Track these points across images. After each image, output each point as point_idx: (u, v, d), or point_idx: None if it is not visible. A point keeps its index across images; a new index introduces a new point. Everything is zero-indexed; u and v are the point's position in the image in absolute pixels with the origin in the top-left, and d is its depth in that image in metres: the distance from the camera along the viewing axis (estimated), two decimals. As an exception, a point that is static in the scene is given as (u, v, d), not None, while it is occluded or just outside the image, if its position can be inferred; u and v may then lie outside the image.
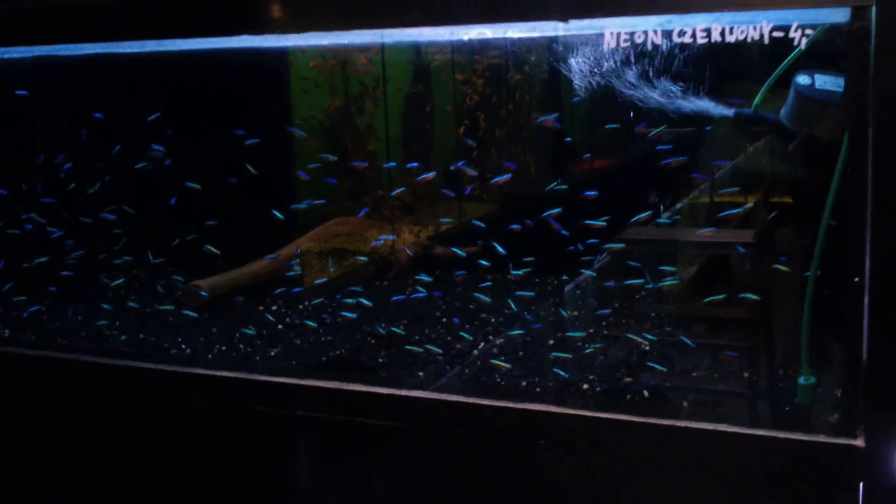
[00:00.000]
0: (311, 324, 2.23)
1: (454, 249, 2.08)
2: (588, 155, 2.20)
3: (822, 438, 1.39)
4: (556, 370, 1.80)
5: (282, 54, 2.52)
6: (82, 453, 2.07)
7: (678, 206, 1.98)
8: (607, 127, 1.76)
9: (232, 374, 1.87)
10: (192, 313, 2.33)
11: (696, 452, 1.49)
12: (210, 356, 2.13)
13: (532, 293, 2.22)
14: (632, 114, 1.62)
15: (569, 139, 2.21)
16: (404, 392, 1.72)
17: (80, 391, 2.05)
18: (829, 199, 1.42)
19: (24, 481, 2.13)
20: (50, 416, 2.08)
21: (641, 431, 1.52)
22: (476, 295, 2.16)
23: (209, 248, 2.21)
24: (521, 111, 2.53)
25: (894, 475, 1.35)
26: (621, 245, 1.82)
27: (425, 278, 2.20)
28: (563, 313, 2.11)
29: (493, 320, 2.17)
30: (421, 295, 2.26)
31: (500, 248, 1.90)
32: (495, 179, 1.89)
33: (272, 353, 2.12)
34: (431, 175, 1.95)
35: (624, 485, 1.58)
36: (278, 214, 2.10)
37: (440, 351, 1.99)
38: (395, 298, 2.30)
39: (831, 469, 1.40)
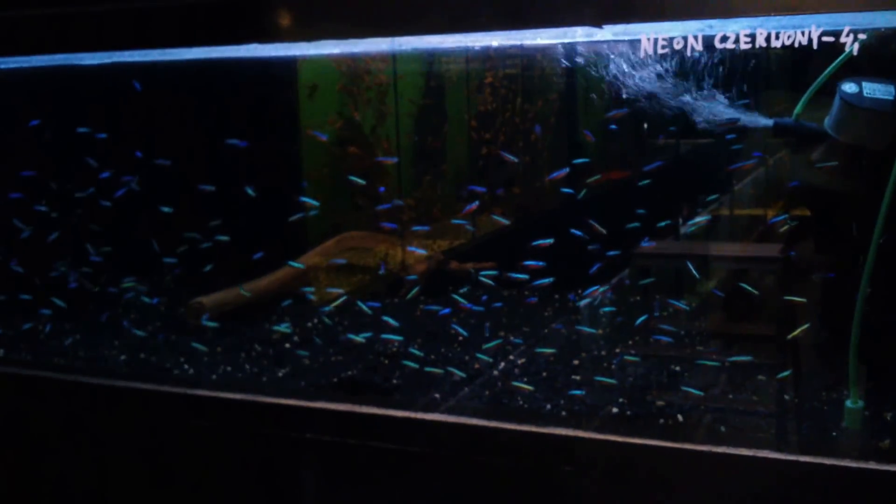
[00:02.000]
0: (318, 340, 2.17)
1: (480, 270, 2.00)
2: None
3: (872, 465, 1.33)
4: (577, 392, 1.73)
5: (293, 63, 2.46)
6: (84, 478, 2.00)
7: (707, 218, 1.91)
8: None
9: (238, 396, 1.82)
10: (211, 323, 2.25)
11: (733, 480, 1.42)
12: (215, 377, 2.06)
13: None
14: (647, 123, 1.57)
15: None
16: (420, 415, 1.67)
17: (80, 413, 1.98)
18: (881, 212, 1.35)
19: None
20: (52, 438, 2.02)
21: (676, 457, 1.45)
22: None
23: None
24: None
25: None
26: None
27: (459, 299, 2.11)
28: (593, 330, 2.03)
29: (511, 338, 2.10)
30: (446, 312, 2.17)
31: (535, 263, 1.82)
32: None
33: (280, 374, 2.05)
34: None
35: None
36: (312, 201, 2.02)
37: (459, 372, 1.92)
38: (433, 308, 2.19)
39: (881, 497, 1.33)
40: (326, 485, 1.80)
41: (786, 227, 1.62)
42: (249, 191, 2.07)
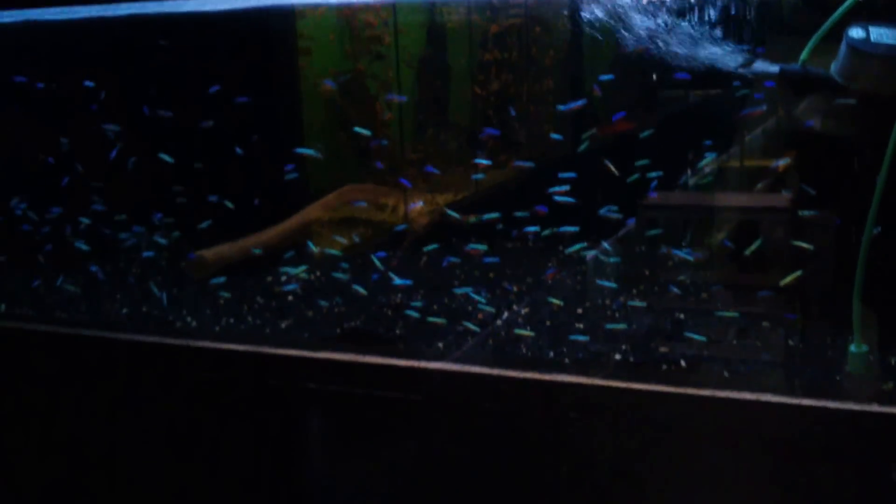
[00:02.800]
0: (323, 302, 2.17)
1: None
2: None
3: (875, 408, 1.34)
4: (579, 338, 1.74)
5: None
6: (91, 431, 2.01)
7: (711, 168, 1.91)
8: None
9: (241, 348, 1.82)
10: (216, 279, 2.25)
11: (738, 425, 1.44)
12: (218, 329, 2.07)
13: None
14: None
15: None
16: (423, 364, 1.67)
17: (84, 367, 1.99)
18: (886, 159, 1.35)
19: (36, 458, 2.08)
20: (54, 392, 2.03)
21: (681, 403, 1.46)
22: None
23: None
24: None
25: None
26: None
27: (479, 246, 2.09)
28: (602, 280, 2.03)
29: (517, 289, 2.11)
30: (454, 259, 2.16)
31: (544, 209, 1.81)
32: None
33: (283, 326, 2.06)
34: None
35: (660, 459, 1.53)
36: (312, 152, 2.01)
37: (464, 321, 1.93)
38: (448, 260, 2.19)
39: (885, 439, 1.35)
40: (331, 435, 1.81)
41: (792, 175, 1.62)
42: (248, 145, 2.07)
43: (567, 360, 1.71)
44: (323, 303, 2.14)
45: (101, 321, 2.16)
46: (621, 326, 1.74)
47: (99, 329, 1.98)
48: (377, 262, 2.10)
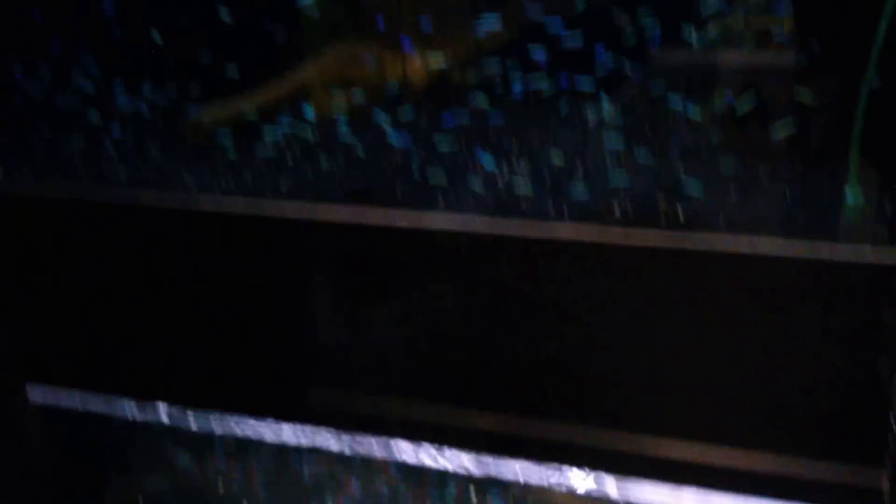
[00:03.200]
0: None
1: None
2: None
3: (868, 255, 1.38)
4: (579, 187, 1.76)
5: None
6: (86, 292, 2.05)
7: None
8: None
9: (241, 209, 1.84)
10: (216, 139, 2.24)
11: (736, 274, 1.49)
12: (218, 190, 2.08)
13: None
14: None
15: None
16: (426, 222, 1.70)
17: (79, 228, 2.02)
18: (886, 10, 1.34)
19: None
20: (54, 255, 2.05)
21: (678, 256, 1.51)
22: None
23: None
24: None
25: (941, 290, 1.35)
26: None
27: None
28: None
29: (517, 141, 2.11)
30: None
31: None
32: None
33: (284, 187, 2.07)
34: None
35: (660, 305, 1.58)
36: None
37: (460, 178, 1.95)
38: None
39: (877, 285, 1.39)
40: (333, 297, 1.85)
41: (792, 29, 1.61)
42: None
43: (567, 214, 1.74)
44: (323, 164, 2.15)
45: (98, 182, 2.18)
46: (622, 182, 1.76)
47: (96, 190, 1.99)
48: (377, 122, 2.11)
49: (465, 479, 2.82)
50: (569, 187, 1.87)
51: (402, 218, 1.74)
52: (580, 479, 1.93)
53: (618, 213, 1.68)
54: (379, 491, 3.02)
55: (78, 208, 1.99)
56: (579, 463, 1.77)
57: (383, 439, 2.01)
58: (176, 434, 2.88)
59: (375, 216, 1.75)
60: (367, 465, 2.91)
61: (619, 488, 1.94)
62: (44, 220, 2.03)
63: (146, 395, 2.17)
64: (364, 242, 1.75)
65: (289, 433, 2.15)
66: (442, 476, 2.75)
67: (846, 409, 1.53)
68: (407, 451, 2.12)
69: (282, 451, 2.84)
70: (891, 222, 1.43)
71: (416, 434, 1.90)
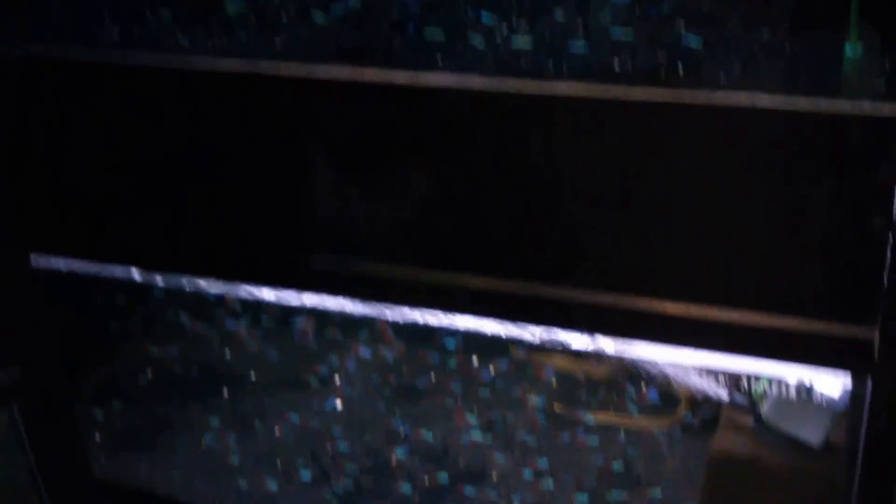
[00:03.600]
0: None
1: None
2: None
3: (867, 109, 1.37)
4: (579, 47, 1.73)
5: None
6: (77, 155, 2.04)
7: None
8: None
9: (237, 68, 1.82)
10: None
11: (734, 128, 1.47)
12: (212, 48, 2.05)
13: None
14: None
15: None
16: (421, 79, 1.68)
17: (72, 91, 1.99)
18: None
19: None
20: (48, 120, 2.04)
21: (677, 110, 1.49)
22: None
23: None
24: None
25: (937, 143, 1.34)
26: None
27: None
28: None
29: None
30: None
31: None
32: None
33: (278, 45, 2.04)
34: None
35: (656, 161, 1.58)
36: None
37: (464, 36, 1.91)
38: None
39: (874, 139, 1.38)
40: (331, 155, 1.85)
41: None
42: None
43: (566, 71, 1.72)
44: (319, 20, 2.12)
45: (91, 44, 2.15)
46: (622, 37, 1.72)
47: (89, 53, 1.97)
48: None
49: (465, 341, 2.88)
50: (568, 44, 1.84)
51: (399, 77, 1.72)
52: (577, 339, 1.96)
53: (617, 68, 1.66)
54: (380, 353, 3.09)
55: (69, 70, 1.97)
56: (577, 323, 1.79)
57: (384, 303, 2.03)
58: (179, 298, 2.93)
59: (373, 75, 1.72)
60: (369, 328, 2.97)
61: (615, 347, 1.98)
62: (34, 83, 2.01)
63: (146, 262, 2.19)
64: (361, 102, 1.73)
65: (290, 297, 2.19)
66: (443, 337, 2.81)
67: (841, 265, 1.54)
68: (408, 315, 2.16)
69: (284, 313, 2.89)
70: (889, 76, 1.41)
71: (416, 298, 1.92)
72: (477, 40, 1.90)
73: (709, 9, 1.65)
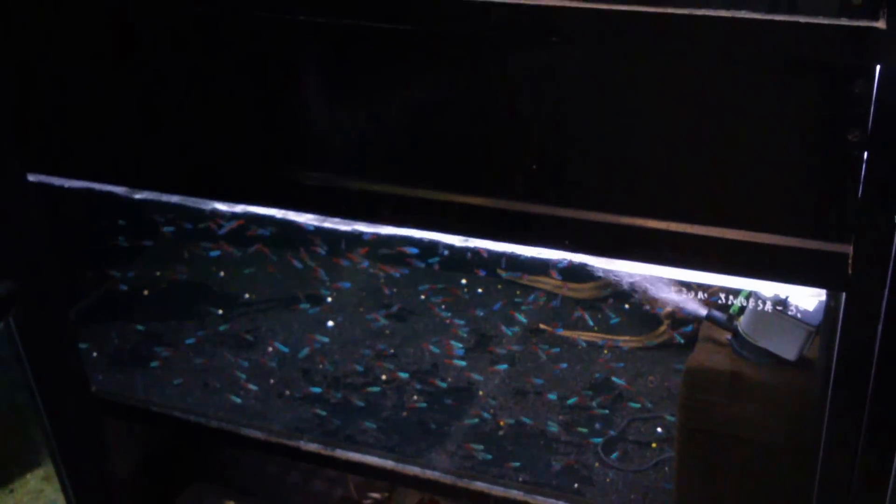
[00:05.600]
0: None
1: None
2: None
3: (843, 21, 1.38)
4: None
5: None
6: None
7: None
8: None
9: None
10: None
11: (713, 42, 1.48)
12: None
13: None
14: None
15: None
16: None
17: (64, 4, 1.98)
18: None
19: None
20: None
21: (657, 22, 1.50)
22: None
23: None
24: None
25: (914, 54, 1.35)
26: None
27: None
28: None
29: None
30: None
31: None
32: None
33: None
34: None
35: (637, 79, 1.59)
36: None
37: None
38: None
39: (850, 52, 1.39)
40: (320, 66, 1.85)
41: None
42: None
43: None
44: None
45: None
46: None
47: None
48: None
49: (451, 258, 2.91)
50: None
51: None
52: (561, 257, 1.99)
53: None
54: (372, 273, 3.12)
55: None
56: (561, 241, 1.81)
57: (373, 222, 2.06)
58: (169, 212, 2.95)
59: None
60: (358, 246, 2.99)
61: (597, 265, 2.01)
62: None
63: (138, 181, 2.21)
64: (347, 14, 1.73)
65: (281, 214, 2.21)
66: (430, 250, 2.83)
67: (816, 181, 1.55)
68: (395, 232, 2.19)
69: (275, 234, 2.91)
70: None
71: (404, 216, 1.94)
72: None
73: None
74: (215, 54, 1.91)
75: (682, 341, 2.66)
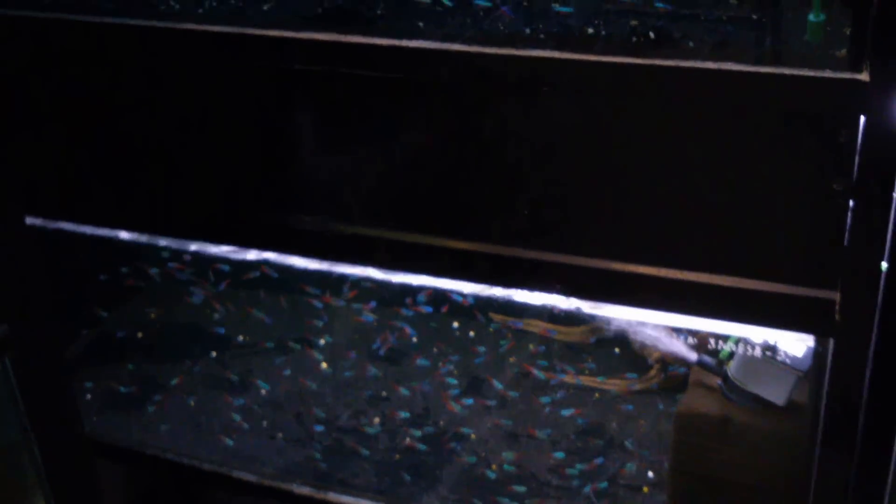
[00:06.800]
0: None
1: None
2: None
3: (828, 74, 1.41)
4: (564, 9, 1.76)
5: None
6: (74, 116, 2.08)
7: None
8: None
9: (226, 30, 1.83)
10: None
11: (702, 93, 1.52)
12: (201, 11, 2.09)
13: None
14: None
15: None
16: (404, 43, 1.71)
17: (65, 51, 2.02)
18: None
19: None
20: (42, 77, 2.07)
21: (646, 74, 1.53)
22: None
23: None
24: None
25: (893, 108, 1.38)
26: None
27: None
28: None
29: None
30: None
31: None
32: None
33: (265, 8, 2.07)
34: None
35: (627, 128, 1.62)
36: None
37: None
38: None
39: (836, 103, 1.43)
40: (317, 114, 1.88)
41: None
42: None
43: (543, 37, 1.76)
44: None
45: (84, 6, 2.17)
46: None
47: (83, 13, 1.99)
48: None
49: (443, 302, 2.92)
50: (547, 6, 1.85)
51: (381, 42, 1.74)
52: (553, 302, 2.00)
53: (591, 36, 1.70)
54: (364, 315, 3.12)
55: (64, 30, 1.99)
56: (553, 286, 1.82)
57: (366, 265, 2.07)
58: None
59: (355, 39, 1.75)
60: (351, 289, 3.00)
61: (589, 310, 2.03)
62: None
63: (134, 225, 2.22)
64: (344, 66, 1.76)
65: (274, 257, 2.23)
66: (421, 298, 2.84)
67: (803, 229, 1.58)
68: (390, 277, 2.20)
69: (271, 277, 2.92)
70: (851, 42, 1.46)
71: (397, 260, 1.96)
72: (458, 8, 1.94)
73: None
74: (212, 101, 1.94)
75: (673, 385, 2.67)
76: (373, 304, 3.00)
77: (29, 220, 2.14)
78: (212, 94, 1.93)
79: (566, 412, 2.79)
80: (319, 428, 2.82)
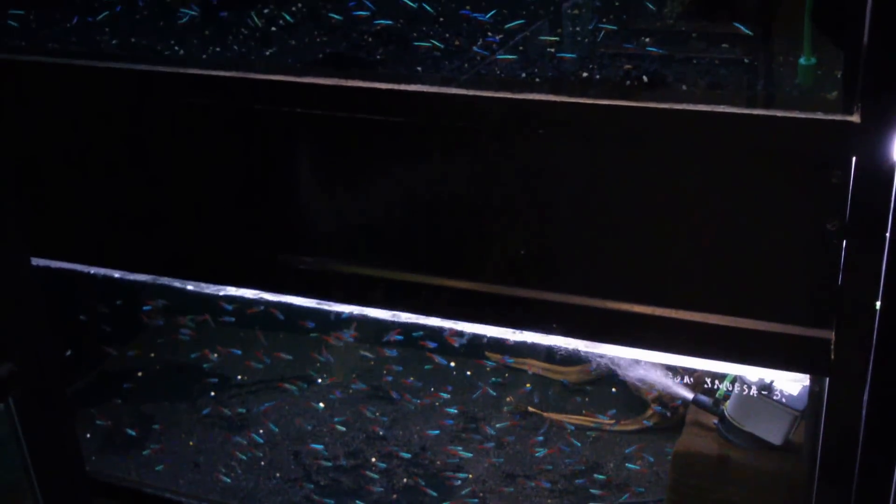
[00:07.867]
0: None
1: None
2: None
3: (819, 116, 1.44)
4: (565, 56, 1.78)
5: None
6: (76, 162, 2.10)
7: None
8: None
9: (229, 74, 1.86)
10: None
11: (696, 135, 1.54)
12: (205, 56, 2.12)
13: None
14: None
15: None
16: (403, 87, 1.73)
17: (70, 95, 2.04)
18: None
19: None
20: (44, 123, 2.10)
21: (641, 116, 1.55)
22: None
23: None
24: None
25: (884, 149, 1.40)
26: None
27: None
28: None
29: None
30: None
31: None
32: None
33: (267, 53, 2.11)
34: None
35: (622, 170, 1.64)
36: None
37: (441, 45, 1.98)
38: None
39: (828, 145, 1.45)
40: (317, 156, 1.90)
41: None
42: None
43: (538, 80, 1.78)
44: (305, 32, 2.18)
45: (90, 51, 2.20)
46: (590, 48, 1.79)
47: (88, 58, 2.02)
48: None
49: (440, 342, 2.92)
50: (544, 52, 1.88)
51: (380, 85, 1.77)
52: (549, 342, 2.01)
53: (587, 79, 1.72)
54: (363, 355, 3.13)
55: (70, 75, 2.01)
56: (549, 326, 1.83)
57: (365, 305, 2.08)
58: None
59: (355, 82, 1.78)
60: (349, 328, 3.00)
61: (586, 350, 2.04)
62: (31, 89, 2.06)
63: (135, 266, 2.23)
64: (343, 105, 1.78)
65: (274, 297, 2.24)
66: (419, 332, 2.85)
67: (798, 269, 1.59)
68: (385, 316, 2.20)
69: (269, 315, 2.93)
70: (841, 84, 1.48)
71: (394, 300, 1.97)
72: (457, 51, 1.96)
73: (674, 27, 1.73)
74: (212, 143, 1.96)
75: (670, 425, 2.67)
76: (369, 342, 3.01)
77: (34, 261, 2.15)
78: (215, 137, 1.95)
79: (562, 451, 2.79)
80: (316, 468, 2.82)
